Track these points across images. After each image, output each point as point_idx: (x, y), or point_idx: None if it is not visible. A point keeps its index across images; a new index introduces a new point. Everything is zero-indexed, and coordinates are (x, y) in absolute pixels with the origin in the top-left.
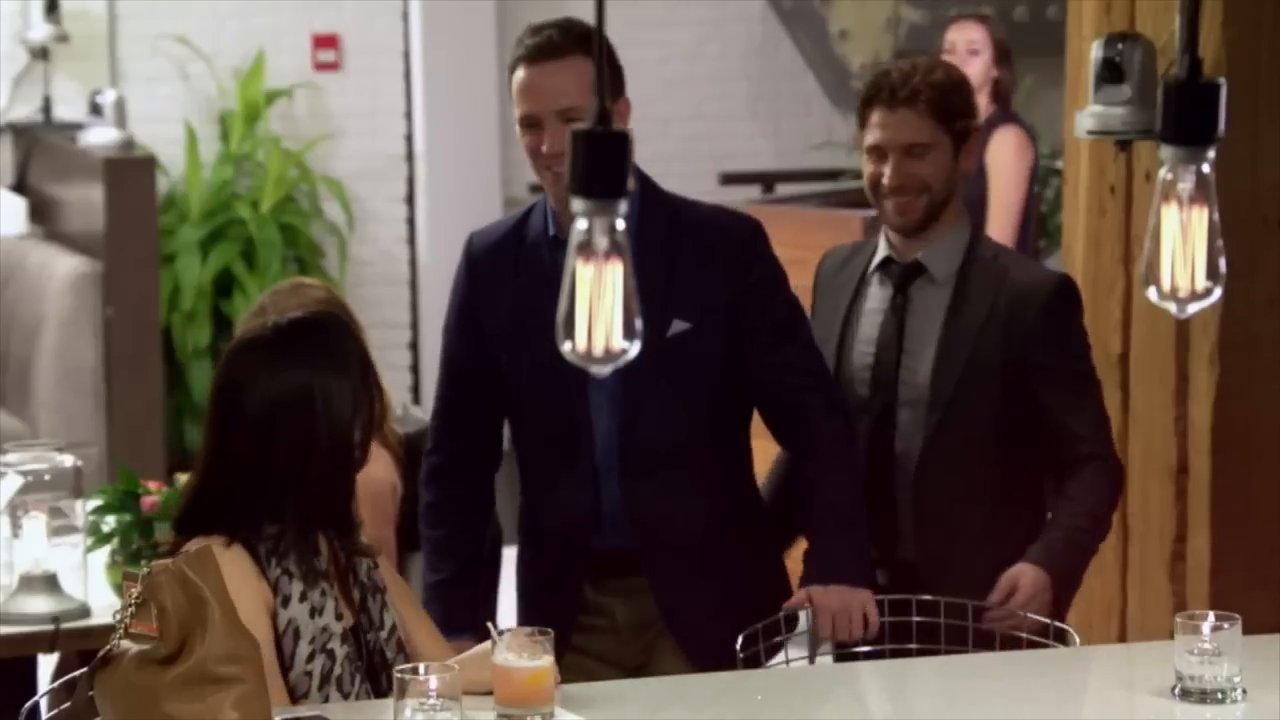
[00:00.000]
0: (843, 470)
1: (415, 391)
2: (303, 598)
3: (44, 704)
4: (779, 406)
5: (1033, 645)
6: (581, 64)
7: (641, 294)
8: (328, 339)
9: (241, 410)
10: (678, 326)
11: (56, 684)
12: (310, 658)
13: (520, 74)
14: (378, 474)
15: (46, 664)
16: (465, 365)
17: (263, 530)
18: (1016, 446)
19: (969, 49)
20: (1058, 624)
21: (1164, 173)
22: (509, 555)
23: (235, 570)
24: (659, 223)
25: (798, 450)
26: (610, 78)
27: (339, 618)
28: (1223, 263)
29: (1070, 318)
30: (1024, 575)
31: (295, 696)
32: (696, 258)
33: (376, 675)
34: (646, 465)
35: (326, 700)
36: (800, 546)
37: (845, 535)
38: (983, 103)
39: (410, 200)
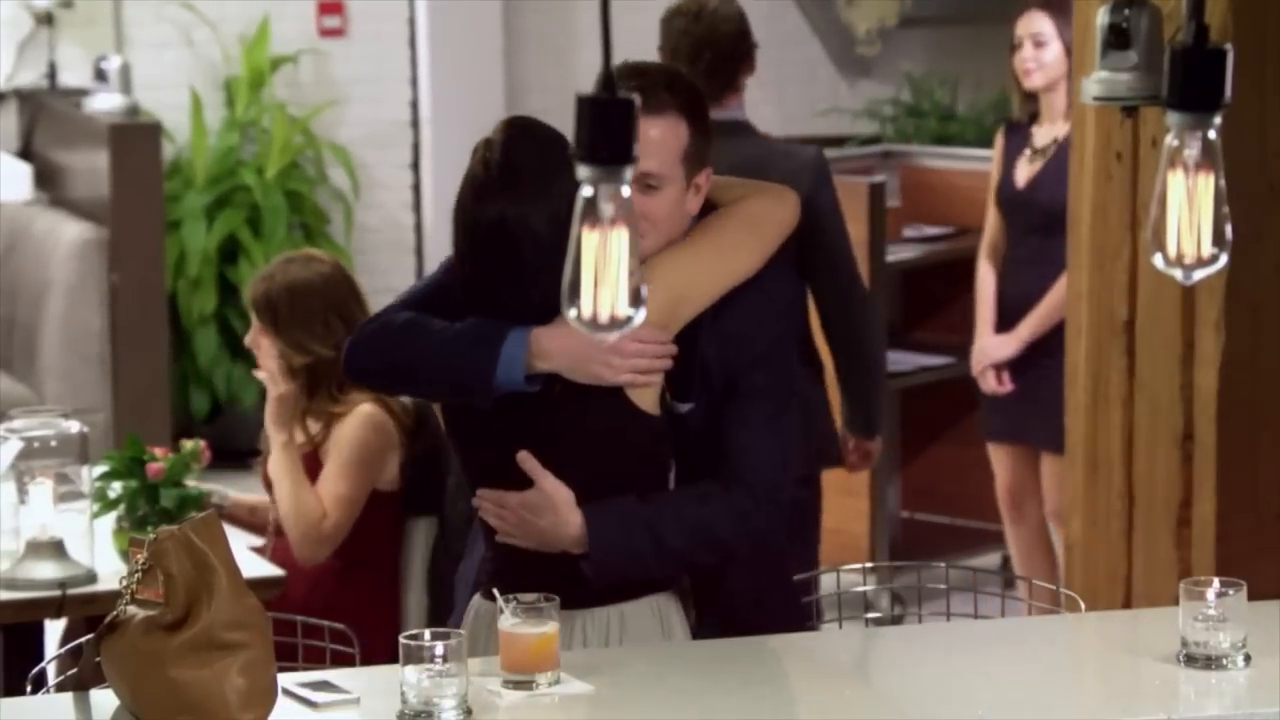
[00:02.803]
0: (715, 516)
1: None
2: None
3: (51, 669)
4: (707, 456)
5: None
6: (677, 124)
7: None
8: (546, 140)
9: (539, 239)
10: (679, 407)
11: (63, 649)
12: None
13: None
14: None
15: (53, 630)
16: None
17: None
18: None
19: (1035, 41)
20: (1065, 590)
21: (1170, 139)
22: None
23: None
24: None
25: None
26: (699, 143)
27: None
28: (1229, 229)
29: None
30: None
31: None
32: (710, 334)
33: None
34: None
35: None
36: None
37: (642, 531)
38: (1059, 99)
39: (416, 167)
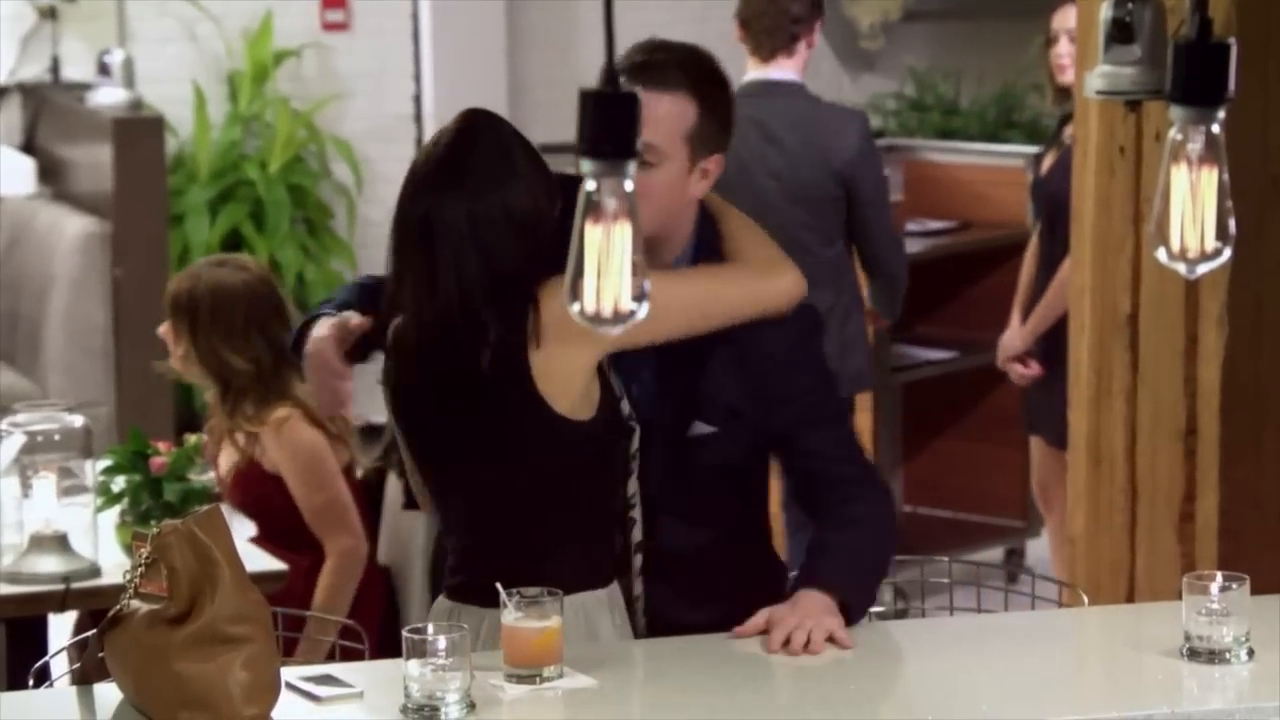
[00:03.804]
0: (878, 533)
1: None
2: None
3: (56, 663)
4: (815, 489)
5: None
6: (686, 105)
7: (665, 389)
8: (496, 129)
9: (456, 236)
10: (699, 429)
11: (69, 643)
12: None
13: None
14: (307, 437)
15: (58, 624)
16: None
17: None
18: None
19: (1070, 36)
20: (1065, 584)
21: (1173, 133)
22: None
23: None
24: None
25: (833, 518)
26: (709, 126)
27: None
28: (1232, 223)
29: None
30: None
31: None
32: (728, 358)
33: None
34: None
35: None
36: None
37: (851, 558)
38: None
39: None
